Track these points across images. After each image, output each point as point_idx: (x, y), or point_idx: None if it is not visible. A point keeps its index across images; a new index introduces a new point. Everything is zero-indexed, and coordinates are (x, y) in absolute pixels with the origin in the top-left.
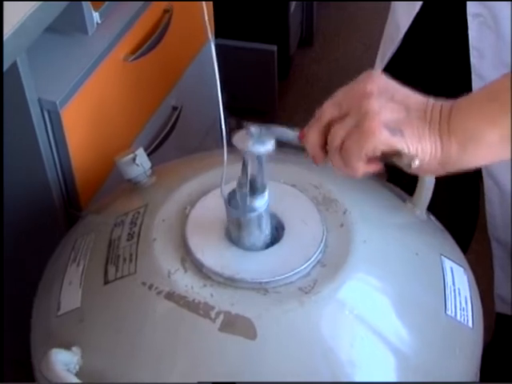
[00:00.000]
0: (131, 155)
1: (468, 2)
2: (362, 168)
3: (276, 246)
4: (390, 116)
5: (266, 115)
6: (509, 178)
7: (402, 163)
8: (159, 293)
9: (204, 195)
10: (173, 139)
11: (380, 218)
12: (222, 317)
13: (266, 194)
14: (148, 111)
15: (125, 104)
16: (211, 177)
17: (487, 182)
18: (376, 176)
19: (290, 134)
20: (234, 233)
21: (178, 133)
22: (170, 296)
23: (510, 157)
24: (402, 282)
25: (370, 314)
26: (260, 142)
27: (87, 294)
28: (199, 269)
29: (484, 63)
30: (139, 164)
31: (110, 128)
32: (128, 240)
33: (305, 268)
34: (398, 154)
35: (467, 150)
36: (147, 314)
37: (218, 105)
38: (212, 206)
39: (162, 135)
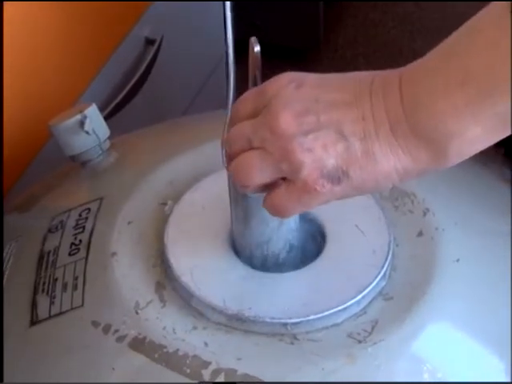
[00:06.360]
0: (77, 116)
1: None
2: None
3: (312, 266)
4: (326, 156)
5: (305, 56)
6: None
7: None
8: (121, 339)
9: (194, 184)
10: (147, 92)
11: (484, 224)
12: (221, 378)
13: None
14: (106, 46)
15: (66, 33)
16: (206, 154)
17: None
18: (483, 157)
19: None
20: (243, 241)
21: (156, 82)
22: (139, 344)
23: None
24: None
25: (465, 379)
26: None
27: (4, 342)
28: (186, 301)
29: None
30: (90, 131)
31: (42, 72)
32: (71, 254)
33: (358, 302)
34: None
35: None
36: (101, 373)
37: (226, 37)
38: (207, 201)
39: (130, 86)
